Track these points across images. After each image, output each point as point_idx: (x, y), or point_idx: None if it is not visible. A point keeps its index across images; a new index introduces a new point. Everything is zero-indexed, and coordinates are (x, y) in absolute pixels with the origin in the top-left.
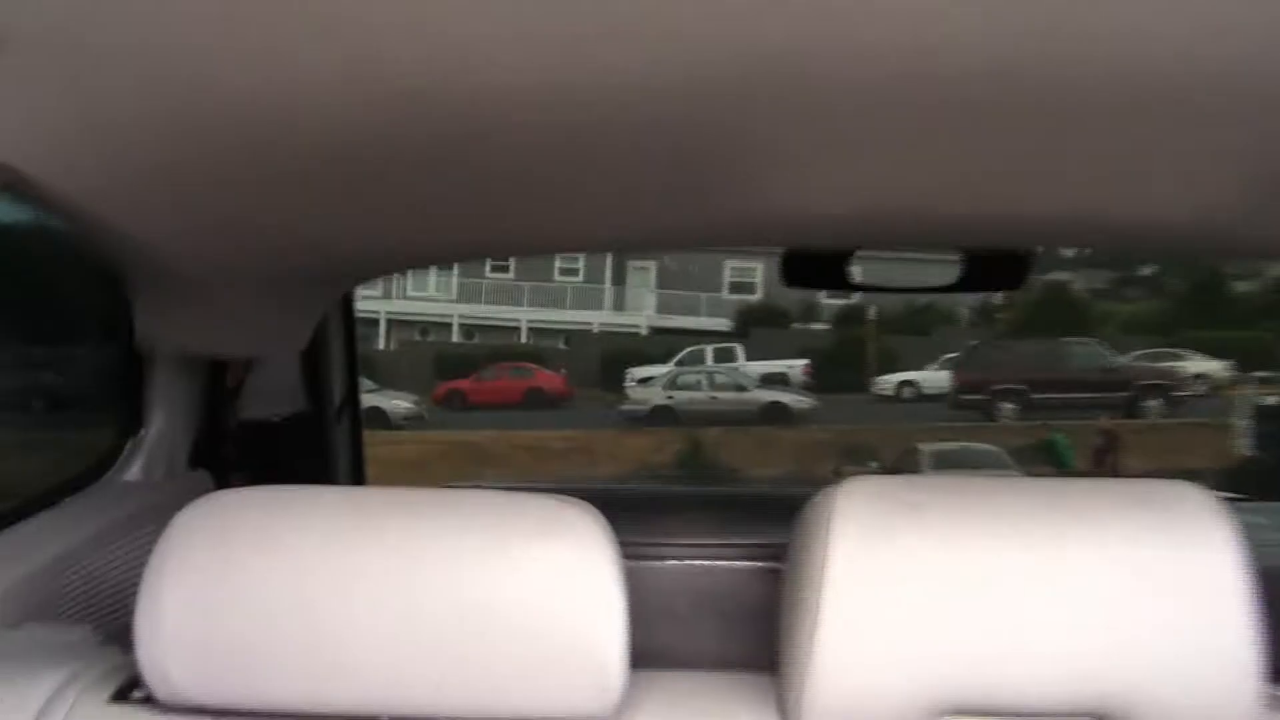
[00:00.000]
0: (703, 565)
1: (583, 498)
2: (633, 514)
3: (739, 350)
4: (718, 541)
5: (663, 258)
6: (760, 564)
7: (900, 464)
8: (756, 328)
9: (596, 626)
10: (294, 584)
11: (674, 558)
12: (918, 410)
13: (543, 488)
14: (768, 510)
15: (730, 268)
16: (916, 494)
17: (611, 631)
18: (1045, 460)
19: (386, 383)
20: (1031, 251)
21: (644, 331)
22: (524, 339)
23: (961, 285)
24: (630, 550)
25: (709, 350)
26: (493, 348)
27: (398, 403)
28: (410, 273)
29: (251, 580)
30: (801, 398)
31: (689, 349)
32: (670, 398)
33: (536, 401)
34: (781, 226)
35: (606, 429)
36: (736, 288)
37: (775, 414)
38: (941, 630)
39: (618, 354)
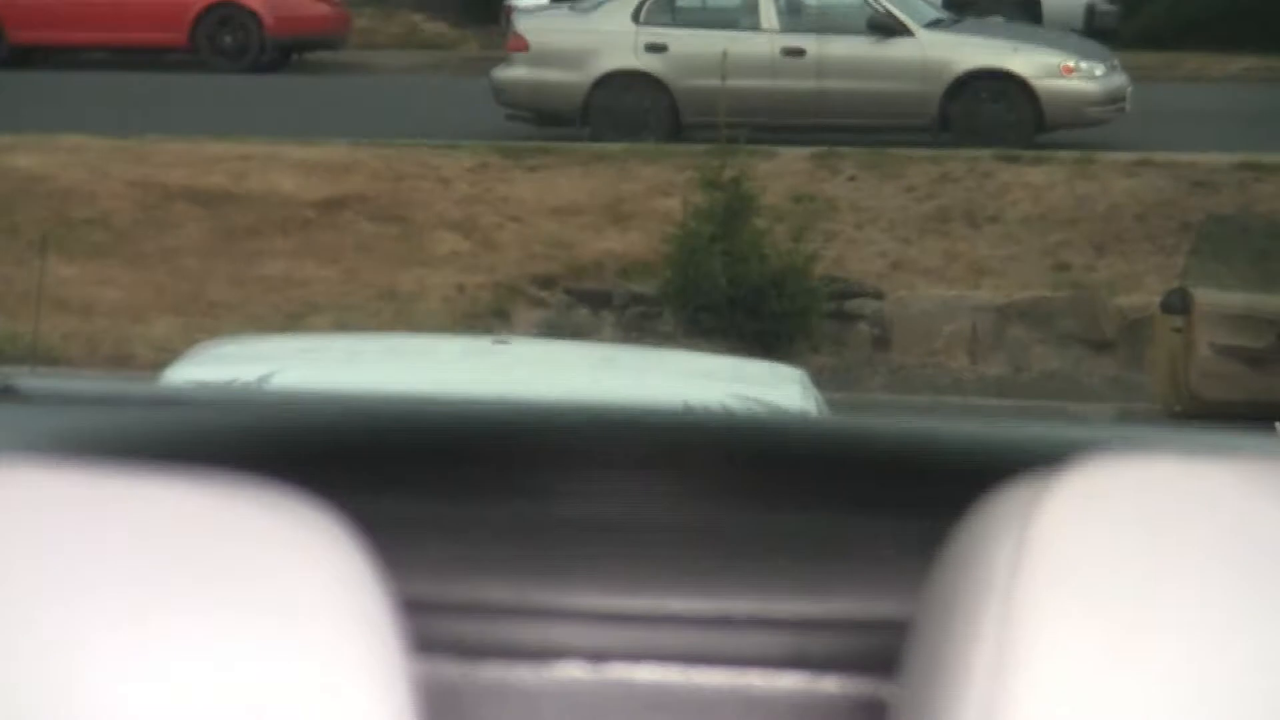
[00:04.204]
0: (662, 687)
1: None
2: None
3: None
4: (706, 613)
5: None
6: (829, 690)
7: None
8: None
9: None
10: None
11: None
12: None
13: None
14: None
15: None
16: None
17: None
18: None
19: None
20: None
21: None
22: None
23: None
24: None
25: None
26: None
27: None
28: None
29: None
30: (1106, 70)
31: None
32: (658, 49)
33: (230, 42)
34: None
35: (456, 143)
36: None
37: (1011, 103)
38: None
39: None
